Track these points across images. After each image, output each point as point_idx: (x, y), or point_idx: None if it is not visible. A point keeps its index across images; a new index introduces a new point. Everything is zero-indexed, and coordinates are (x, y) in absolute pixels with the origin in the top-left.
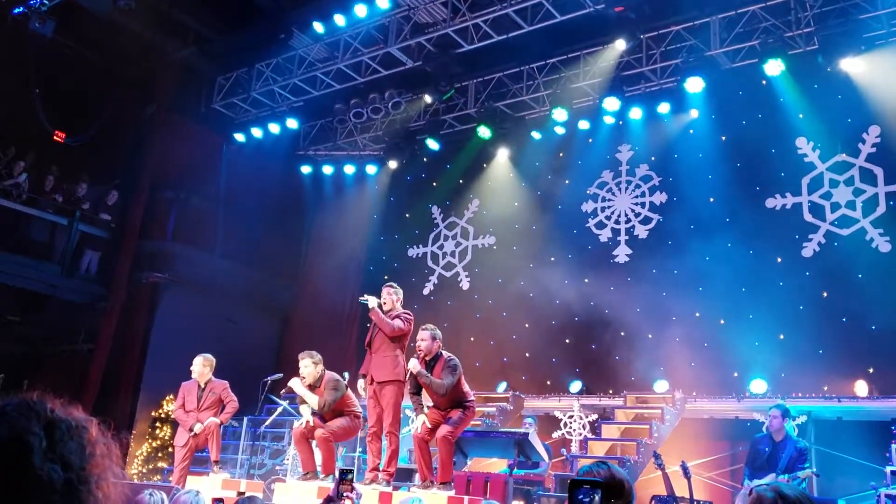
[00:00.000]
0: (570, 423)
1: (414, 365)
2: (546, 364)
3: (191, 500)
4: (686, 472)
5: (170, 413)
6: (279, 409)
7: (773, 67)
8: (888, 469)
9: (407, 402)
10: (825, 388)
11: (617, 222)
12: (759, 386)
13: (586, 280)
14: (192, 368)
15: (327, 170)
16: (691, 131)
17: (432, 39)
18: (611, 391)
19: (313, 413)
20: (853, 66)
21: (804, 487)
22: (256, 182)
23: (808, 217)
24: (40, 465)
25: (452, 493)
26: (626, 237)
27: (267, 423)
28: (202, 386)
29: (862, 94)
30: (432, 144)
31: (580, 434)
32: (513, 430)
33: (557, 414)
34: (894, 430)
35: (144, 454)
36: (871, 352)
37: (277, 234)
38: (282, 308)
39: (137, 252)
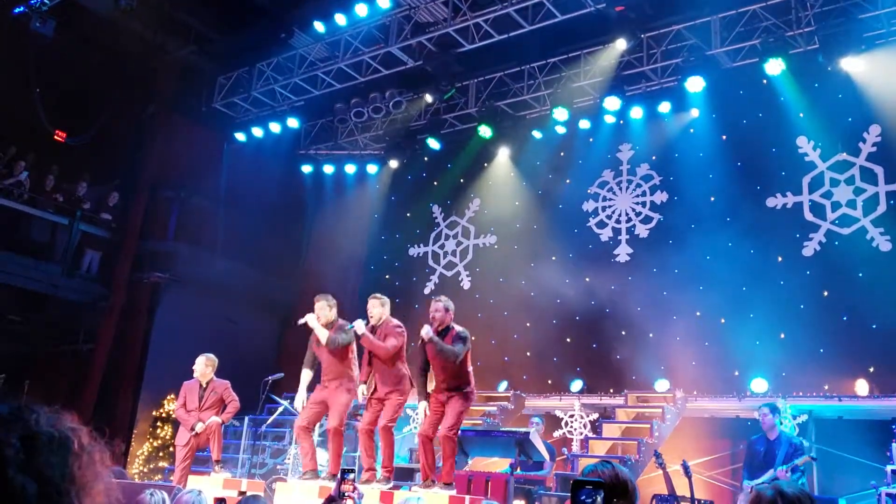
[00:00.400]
0: (571, 422)
1: (427, 331)
2: (547, 363)
3: (193, 499)
4: (687, 471)
5: (171, 412)
6: (280, 409)
7: (774, 67)
8: (889, 468)
9: (411, 402)
10: (826, 387)
11: (618, 221)
12: (759, 385)
13: (587, 279)
14: (194, 368)
15: (328, 169)
16: (692, 130)
17: (433, 39)
18: (612, 390)
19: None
20: (853, 65)
21: (804, 482)
22: (257, 182)
23: (808, 216)
24: (13, 476)
25: (454, 492)
26: (627, 236)
27: (268, 422)
28: (204, 385)
29: (862, 93)
30: (433, 144)
31: (581, 433)
32: (514, 429)
33: (558, 413)
34: (895, 429)
35: (145, 454)
36: (872, 351)
37: (278, 234)
38: (282, 308)
39: (138, 252)
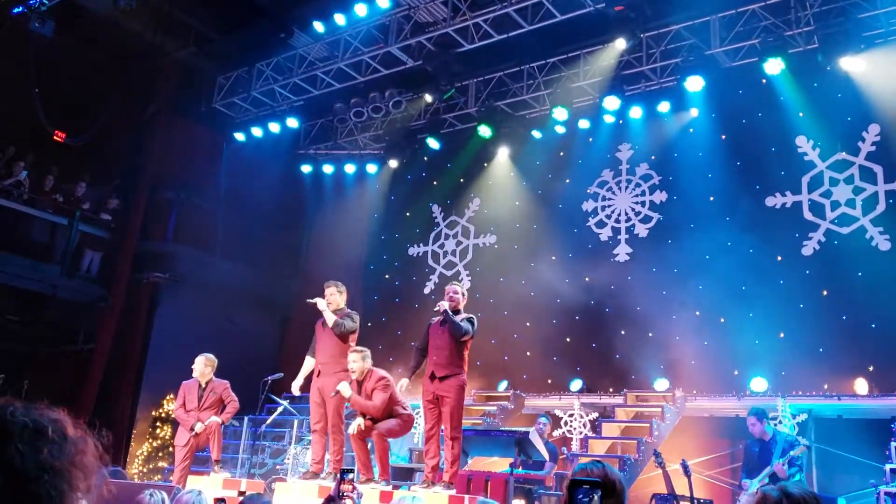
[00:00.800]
0: (571, 421)
1: (444, 304)
2: (547, 363)
3: (193, 499)
4: (686, 471)
5: (170, 412)
6: (280, 409)
7: (773, 66)
8: (888, 467)
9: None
10: (825, 387)
11: (617, 221)
12: (759, 384)
13: (587, 279)
14: (193, 367)
15: (328, 169)
16: (691, 130)
17: (433, 39)
18: (611, 389)
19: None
20: (853, 64)
21: (801, 478)
22: (257, 182)
23: (808, 215)
24: None
25: (454, 492)
26: (627, 236)
27: (267, 422)
28: (203, 385)
29: (861, 92)
30: (433, 143)
31: (581, 433)
32: (513, 428)
33: (558, 412)
34: (894, 428)
35: (145, 454)
36: (871, 350)
37: (277, 234)
38: (281, 308)
39: (138, 252)
